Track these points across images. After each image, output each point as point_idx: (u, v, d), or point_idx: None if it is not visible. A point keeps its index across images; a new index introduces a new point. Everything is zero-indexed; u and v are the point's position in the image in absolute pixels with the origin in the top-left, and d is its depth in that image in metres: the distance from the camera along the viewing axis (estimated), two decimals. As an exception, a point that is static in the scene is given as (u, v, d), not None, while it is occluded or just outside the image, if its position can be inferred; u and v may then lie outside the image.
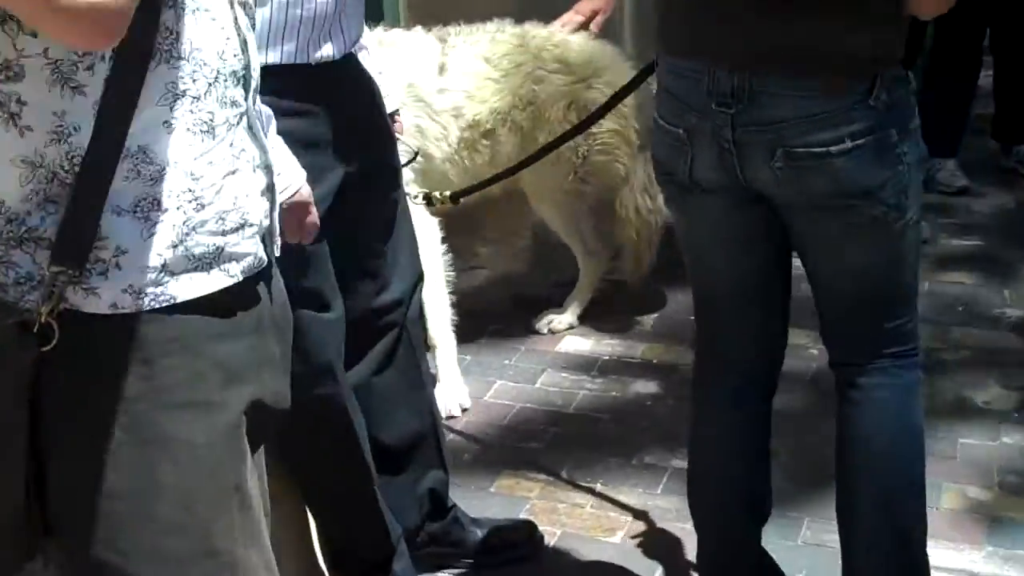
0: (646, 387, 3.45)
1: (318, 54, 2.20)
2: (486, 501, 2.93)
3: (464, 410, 3.36)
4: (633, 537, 2.78)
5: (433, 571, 2.65)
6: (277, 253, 1.64)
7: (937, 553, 2.49)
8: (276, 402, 1.60)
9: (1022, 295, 3.92)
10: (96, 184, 1.39)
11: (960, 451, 3.06)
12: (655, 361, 3.60)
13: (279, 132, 2.14)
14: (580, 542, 2.78)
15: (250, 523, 1.54)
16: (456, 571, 2.68)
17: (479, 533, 2.68)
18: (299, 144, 2.18)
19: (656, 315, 3.87)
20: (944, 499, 2.86)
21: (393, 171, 2.47)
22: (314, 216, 1.90)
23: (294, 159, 1.97)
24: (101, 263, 1.40)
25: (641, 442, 3.15)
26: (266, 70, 2.06)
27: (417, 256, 2.59)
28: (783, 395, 2.38)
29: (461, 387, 3.41)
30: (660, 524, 2.82)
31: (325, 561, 2.53)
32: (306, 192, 1.86)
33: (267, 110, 1.93)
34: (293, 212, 1.88)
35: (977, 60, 4.92)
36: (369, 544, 2.48)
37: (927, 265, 4.13)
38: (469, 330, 3.59)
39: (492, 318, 3.87)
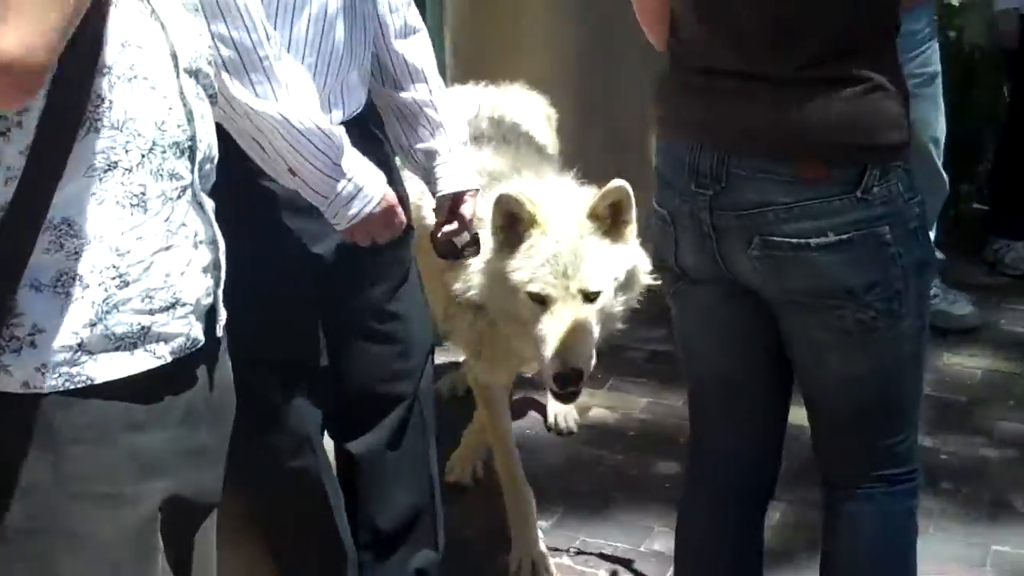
0: (668, 467, 3.30)
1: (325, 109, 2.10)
2: (482, 581, 2.82)
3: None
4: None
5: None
6: (220, 333, 1.57)
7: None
8: (200, 495, 1.52)
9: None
10: (13, 257, 1.34)
11: (992, 558, 2.87)
12: (682, 440, 3.45)
13: (263, 195, 2.09)
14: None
15: None
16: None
17: (465, 618, 2.58)
18: (289, 208, 2.13)
19: (690, 390, 3.72)
20: (968, 612, 2.69)
21: (401, 237, 2.38)
22: (401, 217, 2.09)
23: (372, 168, 2.05)
24: (15, 340, 1.34)
25: (653, 527, 3.00)
26: None
27: (428, 324, 2.50)
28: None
29: None
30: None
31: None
32: (390, 198, 2.04)
33: (339, 130, 2.03)
34: (380, 218, 2.05)
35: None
36: (339, 624, 2.39)
37: (980, 350, 3.96)
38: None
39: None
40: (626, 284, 2.50)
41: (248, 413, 2.15)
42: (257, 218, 2.03)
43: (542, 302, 2.40)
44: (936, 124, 3.81)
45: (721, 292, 1.96)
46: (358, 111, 2.22)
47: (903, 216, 1.82)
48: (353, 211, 2.01)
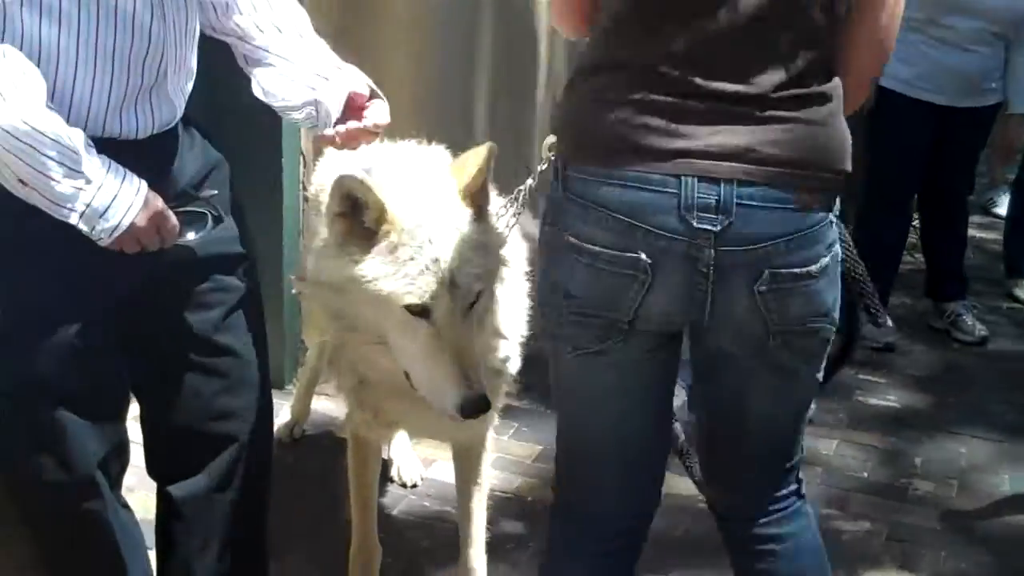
0: (513, 527, 3.13)
1: (116, 128, 1.89)
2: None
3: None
4: None
5: None
6: None
7: None
8: None
9: (934, 466, 3.65)
10: None
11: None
12: (530, 499, 3.29)
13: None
14: None
15: None
16: None
17: None
18: (58, 231, 1.83)
19: (541, 448, 3.55)
20: None
21: (227, 262, 2.15)
22: (172, 220, 1.83)
23: (124, 172, 1.78)
24: None
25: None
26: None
27: (266, 361, 2.28)
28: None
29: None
30: None
31: None
32: (154, 202, 1.77)
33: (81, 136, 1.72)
34: (147, 226, 1.82)
35: (907, 215, 4.76)
36: None
37: (838, 423, 3.90)
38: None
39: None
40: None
41: (24, 447, 1.91)
42: (35, 234, 1.82)
43: (420, 314, 2.03)
44: None
45: (650, 345, 1.85)
46: (171, 122, 2.00)
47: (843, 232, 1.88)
48: (112, 223, 1.77)
